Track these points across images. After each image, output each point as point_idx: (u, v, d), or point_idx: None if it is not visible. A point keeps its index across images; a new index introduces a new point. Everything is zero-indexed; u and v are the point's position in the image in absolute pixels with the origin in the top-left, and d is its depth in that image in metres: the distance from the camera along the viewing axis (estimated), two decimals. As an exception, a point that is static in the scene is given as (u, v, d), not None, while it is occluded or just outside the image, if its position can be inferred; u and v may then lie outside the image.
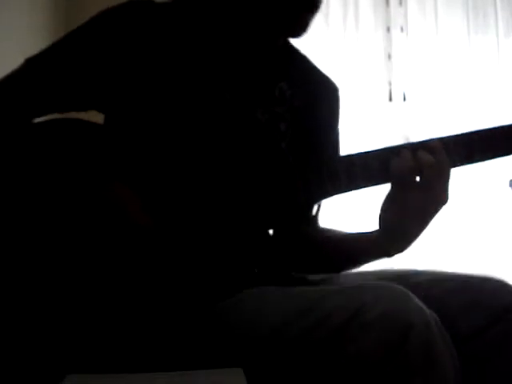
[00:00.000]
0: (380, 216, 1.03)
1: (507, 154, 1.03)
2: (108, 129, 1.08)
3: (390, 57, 2.72)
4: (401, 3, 2.72)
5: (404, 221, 1.00)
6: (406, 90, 2.71)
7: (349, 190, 1.02)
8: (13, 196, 0.99)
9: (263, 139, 1.09)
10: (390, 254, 1.05)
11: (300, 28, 1.08)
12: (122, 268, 0.96)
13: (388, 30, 2.73)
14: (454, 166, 1.00)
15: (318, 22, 2.68)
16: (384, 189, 1.03)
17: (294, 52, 1.21)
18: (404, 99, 2.71)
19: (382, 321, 0.79)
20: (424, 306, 0.82)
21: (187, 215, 1.01)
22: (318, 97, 1.20)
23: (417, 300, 0.82)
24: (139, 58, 1.07)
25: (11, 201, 0.99)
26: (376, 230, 1.05)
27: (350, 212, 2.54)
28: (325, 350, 0.82)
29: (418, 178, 0.98)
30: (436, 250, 2.58)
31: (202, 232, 1.00)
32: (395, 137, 2.67)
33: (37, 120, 1.08)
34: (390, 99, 2.73)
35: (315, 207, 1.18)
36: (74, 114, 1.08)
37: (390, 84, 2.72)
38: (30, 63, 1.09)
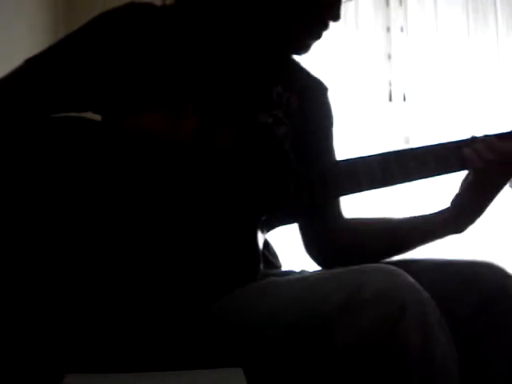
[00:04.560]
0: (459, 195, 1.12)
1: None
2: (106, 128, 1.08)
3: (389, 57, 2.72)
4: (401, 3, 2.72)
5: (482, 198, 1.10)
6: (406, 89, 2.71)
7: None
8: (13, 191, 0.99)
9: (268, 142, 1.09)
10: (462, 230, 1.13)
11: (303, 51, 1.16)
12: (122, 267, 0.96)
13: (388, 30, 2.72)
14: None
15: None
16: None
17: (285, 56, 1.22)
18: (404, 99, 2.71)
19: (378, 299, 0.80)
20: (419, 286, 0.84)
21: (190, 214, 1.01)
22: (309, 100, 1.21)
23: (412, 280, 0.84)
24: (139, 61, 1.07)
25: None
26: (448, 209, 1.13)
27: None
28: (323, 333, 0.82)
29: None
30: (435, 251, 2.58)
31: (202, 231, 1.00)
32: (395, 137, 2.67)
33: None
34: (390, 99, 2.72)
35: (336, 204, 1.20)
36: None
37: (390, 84, 2.72)
38: (30, 64, 1.09)
